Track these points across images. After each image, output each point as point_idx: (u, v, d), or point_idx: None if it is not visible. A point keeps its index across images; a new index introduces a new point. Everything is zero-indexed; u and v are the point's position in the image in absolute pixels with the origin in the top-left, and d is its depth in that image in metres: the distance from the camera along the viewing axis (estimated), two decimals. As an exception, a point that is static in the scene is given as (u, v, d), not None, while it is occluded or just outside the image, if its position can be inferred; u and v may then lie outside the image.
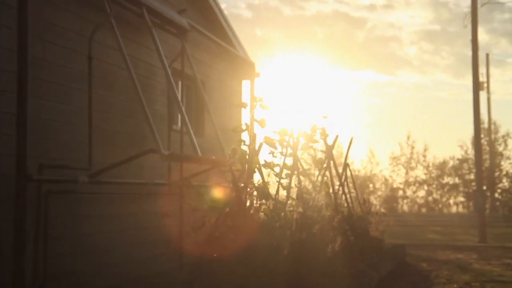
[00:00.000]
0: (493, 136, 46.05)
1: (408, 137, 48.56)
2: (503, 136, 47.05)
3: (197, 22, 11.32)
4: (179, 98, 9.37)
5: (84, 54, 7.96)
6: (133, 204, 9.05)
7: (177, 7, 10.49)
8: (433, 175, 48.13)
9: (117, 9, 8.55)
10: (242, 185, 7.87)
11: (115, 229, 8.57)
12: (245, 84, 14.01)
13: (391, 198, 47.33)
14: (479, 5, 26.83)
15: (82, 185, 7.49)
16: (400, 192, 48.34)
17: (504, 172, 46.85)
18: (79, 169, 7.61)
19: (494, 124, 46.58)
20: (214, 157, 9.62)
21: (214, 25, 12.63)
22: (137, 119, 9.02)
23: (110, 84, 8.58)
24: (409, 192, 48.40)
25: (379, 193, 48.27)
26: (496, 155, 46.28)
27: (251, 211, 7.98)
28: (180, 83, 10.61)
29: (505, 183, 46.74)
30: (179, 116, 10.23)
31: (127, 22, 9.02)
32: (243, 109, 12.06)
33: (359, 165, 48.83)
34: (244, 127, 8.19)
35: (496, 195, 45.69)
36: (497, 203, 45.03)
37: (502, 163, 46.94)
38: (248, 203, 8.01)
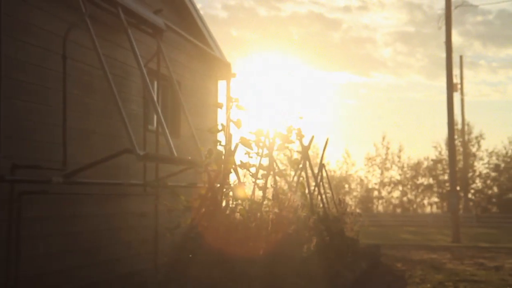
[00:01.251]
0: (466, 137, 46.55)
1: (383, 138, 48.89)
2: (476, 137, 47.57)
3: (173, 22, 11.29)
4: (155, 98, 9.33)
5: (59, 54, 7.89)
6: (108, 205, 9.00)
7: (153, 7, 10.45)
8: (407, 175, 48.50)
9: (92, 9, 8.50)
10: (218, 185, 7.87)
11: (90, 230, 8.51)
12: (221, 84, 14.00)
13: (366, 198, 47.62)
14: (453, 8, 27.12)
15: (56, 185, 7.43)
16: (375, 193, 48.65)
17: (477, 173, 47.38)
18: (53, 169, 7.55)
19: (468, 125, 47.09)
20: (189, 158, 9.60)
21: (190, 25, 12.60)
22: (113, 119, 8.97)
23: (85, 84, 8.52)
24: (384, 193, 48.73)
25: (355, 193, 48.53)
26: (469, 156, 46.79)
27: (227, 212, 7.98)
28: (156, 83, 10.57)
29: (478, 183, 47.27)
30: (155, 117, 10.19)
31: (102, 21, 8.96)
32: (219, 109, 12.07)
33: (334, 165, 49.03)
34: (220, 127, 8.18)
35: (470, 195, 46.19)
36: (471, 204, 45.54)
37: (475, 163, 47.47)
38: (224, 204, 8.01)
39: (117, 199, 9.22)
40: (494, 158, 47.07)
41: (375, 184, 48.53)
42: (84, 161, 8.03)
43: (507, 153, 46.62)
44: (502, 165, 46.57)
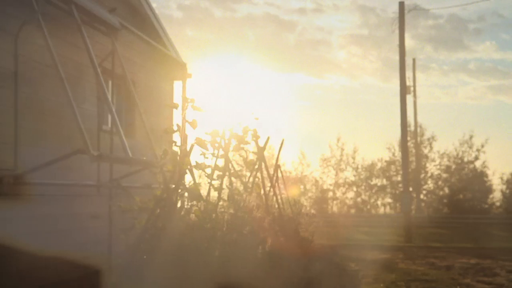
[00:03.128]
0: (419, 139, 47.36)
1: (338, 139, 49.35)
2: (428, 139, 48.43)
3: (128, 21, 11.18)
4: (109, 98, 9.23)
5: (10, 52, 7.74)
6: (61, 206, 8.86)
7: (107, 5, 10.34)
8: (362, 176, 49.07)
9: (45, 6, 8.36)
10: (173, 186, 7.83)
11: (42, 231, 8.36)
12: (177, 84, 13.93)
13: (321, 199, 47.99)
14: (405, 12, 27.56)
15: (7, 186, 7.28)
16: (330, 194, 49.08)
17: (429, 174, 48.25)
18: (4, 170, 7.40)
19: (420, 127, 47.92)
20: (144, 158, 9.53)
21: (146, 24, 12.50)
22: (66, 119, 8.83)
23: (38, 83, 8.37)
24: (338, 194, 49.20)
25: (310, 194, 48.86)
26: (422, 157, 47.61)
27: (182, 213, 7.95)
28: (110, 83, 10.45)
29: (430, 184, 48.14)
30: (109, 117, 10.07)
31: (56, 19, 8.82)
32: (174, 110, 11.99)
33: (290, 166, 49.29)
34: (175, 128, 8.15)
35: (422, 196, 47.01)
36: (423, 204, 46.34)
37: (428, 165, 48.34)
38: (179, 205, 7.98)
39: (70, 200, 9.08)
40: (445, 159, 48.03)
41: (330, 185, 48.98)
42: (36, 161, 7.89)
43: (457, 154, 47.62)
44: (453, 166, 47.52)
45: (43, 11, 8.07)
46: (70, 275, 9.04)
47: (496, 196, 46.04)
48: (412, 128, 45.79)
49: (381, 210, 49.38)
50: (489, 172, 46.30)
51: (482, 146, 46.72)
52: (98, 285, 8.64)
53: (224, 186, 8.96)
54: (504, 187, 45.61)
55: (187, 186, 8.15)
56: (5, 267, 7.54)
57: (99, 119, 10.03)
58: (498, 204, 46.01)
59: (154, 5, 12.82)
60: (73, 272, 9.12)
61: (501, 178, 45.68)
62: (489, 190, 45.80)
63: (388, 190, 48.97)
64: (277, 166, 14.06)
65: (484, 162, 46.66)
